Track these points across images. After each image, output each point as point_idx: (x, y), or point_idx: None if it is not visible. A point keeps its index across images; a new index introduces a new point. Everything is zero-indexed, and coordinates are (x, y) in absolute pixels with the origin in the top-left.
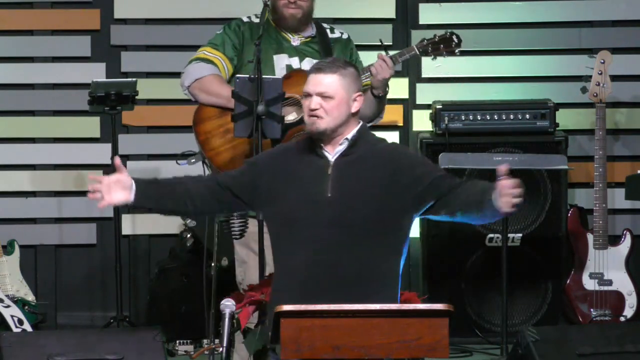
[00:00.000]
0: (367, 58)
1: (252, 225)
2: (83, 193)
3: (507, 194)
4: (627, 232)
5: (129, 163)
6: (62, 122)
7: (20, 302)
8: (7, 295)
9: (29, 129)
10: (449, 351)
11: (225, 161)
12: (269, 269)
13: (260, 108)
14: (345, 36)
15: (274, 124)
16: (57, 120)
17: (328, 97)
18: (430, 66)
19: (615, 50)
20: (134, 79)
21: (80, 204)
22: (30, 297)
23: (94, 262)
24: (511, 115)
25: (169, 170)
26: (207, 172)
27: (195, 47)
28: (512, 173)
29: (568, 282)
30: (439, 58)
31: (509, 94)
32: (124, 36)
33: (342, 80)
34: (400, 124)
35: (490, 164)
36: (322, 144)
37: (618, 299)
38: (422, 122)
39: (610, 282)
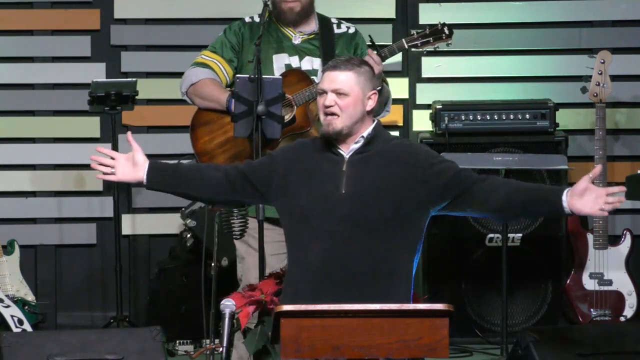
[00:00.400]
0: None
1: (252, 222)
2: (83, 193)
3: (606, 200)
4: (627, 232)
5: None
6: (62, 122)
7: (20, 302)
8: (7, 295)
9: (29, 129)
10: (449, 351)
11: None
12: (269, 269)
13: (260, 108)
14: (351, 30)
15: (273, 124)
16: (57, 120)
17: (343, 94)
18: (430, 66)
19: (615, 50)
20: (134, 79)
21: (80, 204)
22: (30, 297)
23: (94, 262)
24: (511, 115)
25: None
26: None
27: (195, 47)
28: (512, 173)
29: (568, 282)
30: (439, 58)
31: (509, 94)
32: (124, 36)
33: (357, 77)
34: (400, 124)
35: (490, 164)
36: (338, 142)
37: (618, 299)
38: (422, 122)
39: (610, 282)
